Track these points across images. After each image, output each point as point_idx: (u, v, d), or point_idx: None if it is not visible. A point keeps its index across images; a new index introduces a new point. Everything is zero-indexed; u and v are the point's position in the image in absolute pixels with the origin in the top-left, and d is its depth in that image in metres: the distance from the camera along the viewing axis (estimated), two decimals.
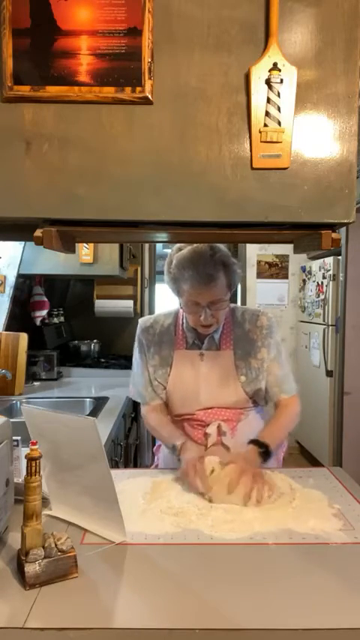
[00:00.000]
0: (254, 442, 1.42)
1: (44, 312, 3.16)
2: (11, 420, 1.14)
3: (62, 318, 3.61)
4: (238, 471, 1.28)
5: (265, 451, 1.39)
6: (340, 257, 3.69)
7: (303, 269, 4.83)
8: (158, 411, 1.61)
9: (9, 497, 1.11)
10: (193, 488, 1.30)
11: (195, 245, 1.49)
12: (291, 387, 1.61)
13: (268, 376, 1.56)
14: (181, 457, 1.42)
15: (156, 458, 1.79)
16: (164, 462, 1.68)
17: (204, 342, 1.56)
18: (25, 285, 3.13)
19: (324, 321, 4.17)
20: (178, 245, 1.54)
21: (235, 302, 1.66)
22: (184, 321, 1.58)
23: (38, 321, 3.15)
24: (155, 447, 1.81)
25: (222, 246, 1.52)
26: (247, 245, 4.85)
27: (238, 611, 0.85)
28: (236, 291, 1.62)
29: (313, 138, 0.98)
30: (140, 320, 1.68)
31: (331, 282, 4.06)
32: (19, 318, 2.99)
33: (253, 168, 0.97)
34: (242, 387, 1.54)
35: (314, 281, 4.45)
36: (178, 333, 1.59)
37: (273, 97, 0.95)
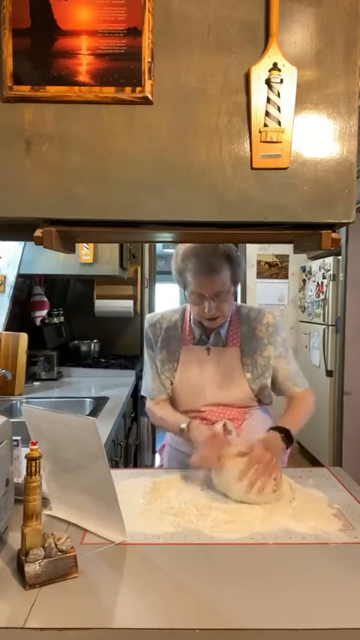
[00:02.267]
0: (274, 429, 1.42)
1: (44, 312, 3.16)
2: (11, 420, 1.14)
3: (62, 318, 3.61)
4: (252, 461, 1.28)
5: (286, 436, 1.39)
6: (340, 257, 3.69)
7: (303, 269, 4.83)
8: (164, 403, 1.62)
9: (9, 497, 1.11)
10: (210, 457, 1.31)
11: None
12: (303, 381, 1.62)
13: (278, 372, 1.58)
14: (190, 436, 1.43)
15: (159, 459, 1.79)
16: (169, 462, 1.69)
17: (210, 337, 1.57)
18: (25, 285, 3.13)
19: (324, 321, 4.17)
20: None
21: (236, 301, 1.67)
22: (192, 317, 1.59)
23: (38, 321, 3.15)
24: (159, 448, 1.81)
25: None
26: (247, 245, 4.85)
27: (238, 611, 0.85)
28: (236, 291, 1.63)
29: (313, 138, 0.98)
30: (147, 316, 1.70)
31: (331, 282, 4.06)
32: (19, 318, 2.99)
33: (253, 168, 0.97)
34: (248, 384, 1.55)
35: (314, 281, 4.45)
36: (185, 329, 1.60)
37: (273, 97, 0.95)
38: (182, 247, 1.52)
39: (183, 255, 1.50)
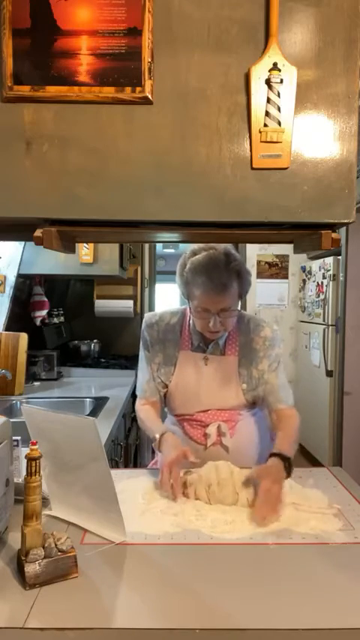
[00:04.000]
0: (277, 455, 1.34)
1: (44, 312, 3.16)
2: (11, 420, 1.14)
3: (62, 318, 3.61)
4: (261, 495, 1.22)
5: (288, 464, 1.32)
6: (340, 257, 3.69)
7: (303, 269, 4.83)
8: (150, 406, 1.62)
9: (9, 497, 1.11)
10: (167, 492, 1.28)
11: (210, 251, 1.49)
12: (288, 397, 1.58)
13: (265, 385, 1.56)
14: (160, 448, 1.43)
15: (155, 456, 1.79)
16: None
17: (209, 345, 1.57)
18: (25, 285, 3.13)
19: (324, 321, 4.17)
20: (192, 248, 1.53)
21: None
22: (191, 322, 1.58)
23: (38, 321, 3.15)
24: (154, 444, 1.81)
25: (236, 254, 1.51)
26: (247, 245, 4.85)
27: (238, 611, 0.85)
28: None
29: (313, 138, 0.98)
30: (146, 315, 1.69)
31: (331, 282, 4.06)
32: (19, 318, 2.99)
33: (253, 168, 0.97)
34: (243, 394, 1.55)
35: (314, 281, 4.45)
36: (184, 334, 1.60)
37: (273, 97, 0.95)
38: (191, 260, 1.49)
39: (193, 268, 1.47)
